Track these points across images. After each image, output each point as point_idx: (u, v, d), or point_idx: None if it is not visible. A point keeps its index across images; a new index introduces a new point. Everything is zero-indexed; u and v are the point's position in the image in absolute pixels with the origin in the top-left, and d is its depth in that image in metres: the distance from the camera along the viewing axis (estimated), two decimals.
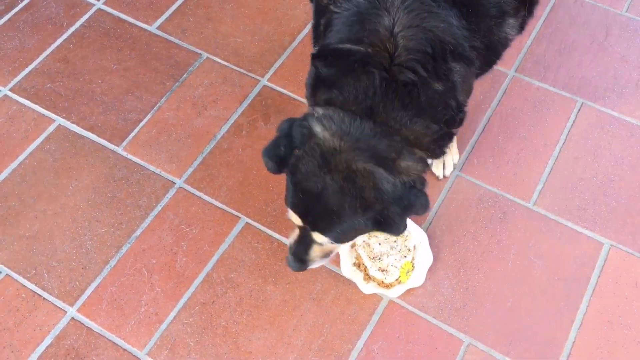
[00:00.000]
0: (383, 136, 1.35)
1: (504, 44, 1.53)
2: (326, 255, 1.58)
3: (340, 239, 1.47)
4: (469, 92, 1.50)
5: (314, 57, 1.44)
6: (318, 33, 1.54)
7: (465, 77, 1.42)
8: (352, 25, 1.37)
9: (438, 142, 1.45)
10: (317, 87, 1.41)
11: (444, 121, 1.41)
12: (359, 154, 1.34)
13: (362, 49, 1.35)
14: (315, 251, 1.54)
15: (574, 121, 2.07)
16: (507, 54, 2.15)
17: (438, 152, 1.49)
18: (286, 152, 1.40)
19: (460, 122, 1.47)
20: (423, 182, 1.46)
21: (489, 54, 1.50)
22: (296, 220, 1.48)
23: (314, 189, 1.38)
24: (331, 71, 1.37)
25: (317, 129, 1.37)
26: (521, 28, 1.63)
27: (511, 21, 1.49)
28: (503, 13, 1.45)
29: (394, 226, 1.41)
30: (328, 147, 1.36)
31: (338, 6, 1.40)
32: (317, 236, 1.47)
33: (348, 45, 1.36)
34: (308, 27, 2.28)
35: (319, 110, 1.39)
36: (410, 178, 1.40)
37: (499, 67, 2.16)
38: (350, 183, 1.36)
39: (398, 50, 1.33)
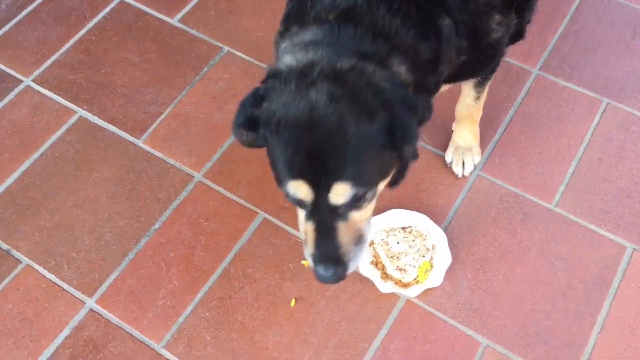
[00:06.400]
0: (365, 39, 1.15)
1: (488, 41, 1.44)
2: (358, 236, 1.27)
3: (362, 176, 1.17)
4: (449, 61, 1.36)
5: None
6: None
7: (449, 37, 1.30)
8: None
9: (425, 66, 1.25)
10: (290, 16, 1.24)
11: (432, 50, 1.25)
12: (341, 54, 1.14)
13: None
14: (342, 232, 1.22)
15: (598, 121, 2.03)
16: (532, 51, 2.16)
17: (424, 80, 1.26)
18: (254, 109, 1.18)
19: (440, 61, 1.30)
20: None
21: (473, 42, 1.39)
22: (302, 192, 1.18)
23: (300, 119, 1.12)
24: None
25: (286, 60, 1.19)
26: (517, 36, 1.58)
27: (497, 17, 1.42)
28: (490, 6, 1.40)
29: (407, 134, 1.15)
30: (304, 64, 1.16)
31: None
32: (335, 195, 1.17)
33: None
34: None
35: (287, 44, 1.22)
36: (402, 80, 1.19)
37: (522, 64, 2.14)
38: (339, 87, 1.12)
39: None
